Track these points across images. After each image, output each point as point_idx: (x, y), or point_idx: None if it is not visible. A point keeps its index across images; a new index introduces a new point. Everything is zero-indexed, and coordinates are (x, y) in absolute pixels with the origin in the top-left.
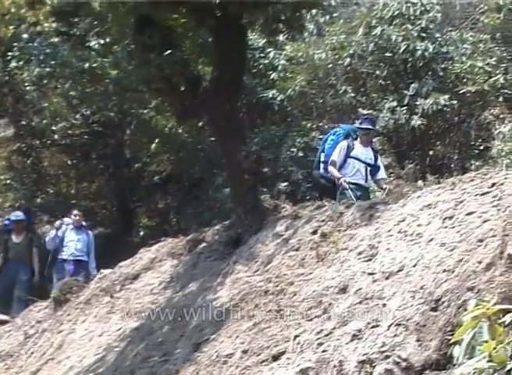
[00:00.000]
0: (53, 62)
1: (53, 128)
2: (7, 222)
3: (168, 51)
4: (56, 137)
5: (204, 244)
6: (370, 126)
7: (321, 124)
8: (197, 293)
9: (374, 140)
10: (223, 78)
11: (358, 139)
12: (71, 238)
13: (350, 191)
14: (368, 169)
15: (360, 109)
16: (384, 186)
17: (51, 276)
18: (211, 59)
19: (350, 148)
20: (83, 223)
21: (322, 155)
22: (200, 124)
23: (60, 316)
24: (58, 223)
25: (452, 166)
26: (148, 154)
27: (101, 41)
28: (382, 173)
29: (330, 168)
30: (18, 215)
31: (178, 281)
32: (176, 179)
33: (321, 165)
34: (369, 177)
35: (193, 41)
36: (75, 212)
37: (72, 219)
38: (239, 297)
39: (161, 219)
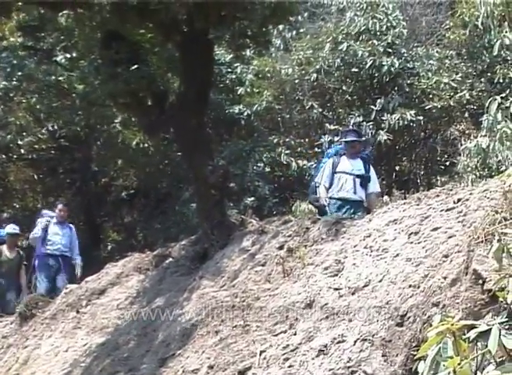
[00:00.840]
0: (20, 74)
1: (19, 143)
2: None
3: (135, 66)
4: (22, 151)
5: (170, 260)
6: (354, 138)
7: (287, 139)
8: (164, 308)
9: (368, 150)
10: (190, 93)
11: (346, 153)
12: (55, 232)
13: (327, 207)
14: (358, 180)
15: (327, 125)
16: (375, 203)
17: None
18: (178, 74)
19: (335, 164)
20: None
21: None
22: (167, 139)
23: (26, 331)
24: (44, 223)
25: (418, 181)
26: (115, 169)
27: (68, 56)
28: (373, 186)
29: (319, 190)
30: (15, 228)
31: (144, 296)
32: (142, 194)
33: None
34: (359, 189)
35: (160, 55)
36: (60, 206)
37: (56, 214)
38: (205, 312)
39: (127, 234)
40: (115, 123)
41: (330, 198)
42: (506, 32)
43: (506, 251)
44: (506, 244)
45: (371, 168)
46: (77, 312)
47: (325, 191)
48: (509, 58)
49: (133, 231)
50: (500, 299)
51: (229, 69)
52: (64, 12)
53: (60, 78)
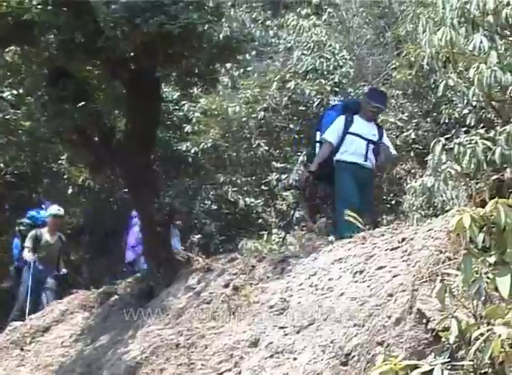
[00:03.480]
0: None
1: None
2: (38, 214)
3: (82, 103)
4: None
5: (115, 297)
6: (383, 106)
7: (234, 177)
8: (108, 346)
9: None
10: (137, 130)
11: (360, 113)
12: None
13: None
14: (371, 146)
15: (273, 163)
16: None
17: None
18: (125, 111)
19: (348, 123)
20: None
21: (318, 134)
22: (114, 176)
23: None
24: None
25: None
26: (61, 206)
27: (15, 92)
28: (391, 151)
29: (323, 147)
30: (59, 209)
31: (89, 334)
32: (88, 231)
33: (317, 144)
34: (371, 156)
35: (107, 93)
36: None
37: None
38: (150, 350)
39: (73, 271)
40: (62, 160)
41: (338, 161)
42: (450, 73)
43: (448, 291)
44: (449, 285)
45: (385, 134)
46: (21, 349)
47: (328, 150)
48: (454, 98)
49: (78, 268)
50: (443, 339)
51: (177, 107)
52: (10, 48)
53: (6, 115)
